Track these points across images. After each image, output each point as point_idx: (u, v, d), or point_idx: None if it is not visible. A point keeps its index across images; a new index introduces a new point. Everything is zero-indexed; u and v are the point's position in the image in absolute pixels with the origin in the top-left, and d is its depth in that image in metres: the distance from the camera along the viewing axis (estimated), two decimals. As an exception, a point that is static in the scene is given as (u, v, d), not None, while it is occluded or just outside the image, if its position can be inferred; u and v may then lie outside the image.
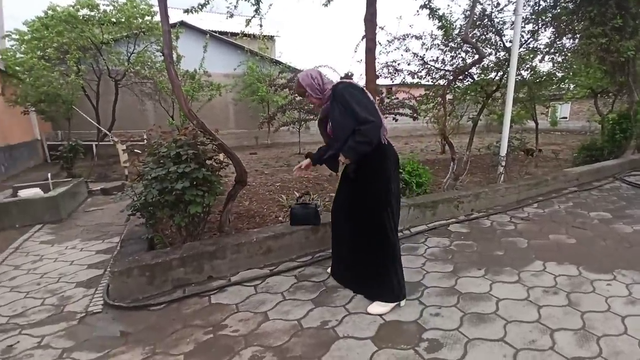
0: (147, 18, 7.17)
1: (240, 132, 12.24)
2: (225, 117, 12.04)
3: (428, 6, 4.43)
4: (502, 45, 5.16)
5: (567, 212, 3.59)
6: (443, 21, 4.48)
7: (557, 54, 5.25)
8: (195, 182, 2.12)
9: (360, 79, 6.51)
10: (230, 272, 2.20)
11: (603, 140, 6.30)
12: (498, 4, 5.09)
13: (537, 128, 8.03)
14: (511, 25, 5.09)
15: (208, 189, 2.23)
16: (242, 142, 12.01)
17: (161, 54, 6.65)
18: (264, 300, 1.94)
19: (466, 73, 5.07)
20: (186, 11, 3.68)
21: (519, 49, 4.41)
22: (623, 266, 2.26)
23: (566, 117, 16.65)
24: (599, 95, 8.15)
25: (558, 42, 4.90)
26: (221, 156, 2.48)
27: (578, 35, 5.14)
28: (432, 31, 5.15)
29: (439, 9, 4.36)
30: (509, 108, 4.29)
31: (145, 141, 7.09)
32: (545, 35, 5.34)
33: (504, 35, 5.29)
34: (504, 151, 4.33)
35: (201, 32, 10.48)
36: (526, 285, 2.06)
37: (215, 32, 11.50)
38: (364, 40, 3.60)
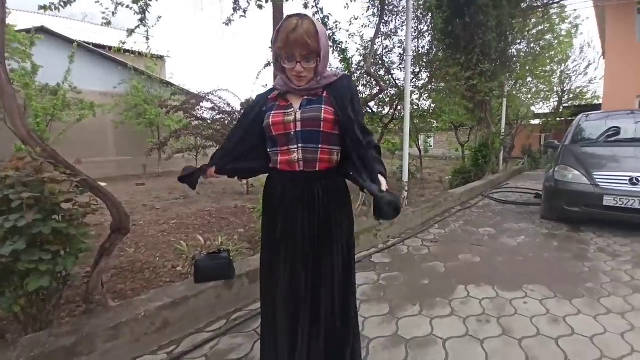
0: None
1: (124, 159, 10.31)
2: (102, 142, 9.99)
3: (332, 39, 4.56)
4: (393, 82, 5.73)
5: (462, 230, 3.96)
6: (345, 54, 4.68)
7: (433, 93, 6.14)
8: (38, 241, 1.39)
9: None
10: (102, 370, 1.47)
11: (469, 165, 7.58)
12: (387, 46, 5.69)
13: (421, 155, 9.21)
14: (399, 64, 5.74)
15: (63, 248, 1.50)
16: (126, 171, 10.11)
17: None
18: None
19: (367, 105, 5.39)
20: (43, 7, 2.74)
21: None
22: (527, 281, 2.47)
23: (431, 146, 20.10)
24: (458, 128, 10.03)
25: (433, 83, 5.71)
26: (86, 197, 1.75)
27: (445, 77, 6.16)
28: (330, 65, 5.38)
29: (341, 42, 4.53)
30: (406, 137, 4.65)
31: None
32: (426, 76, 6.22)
33: (393, 73, 5.92)
34: (406, 177, 4.64)
35: (69, 41, 8.62)
36: (460, 316, 2.00)
37: (89, 44, 9.68)
38: (272, 65, 3.37)
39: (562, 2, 8.90)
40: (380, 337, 1.78)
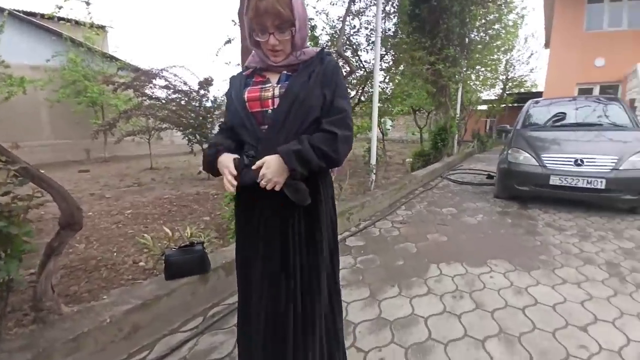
0: None
1: (62, 143, 9.14)
2: (35, 123, 8.73)
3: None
4: (360, 64, 5.67)
5: (427, 210, 4.13)
6: (314, 32, 4.49)
7: (399, 76, 6.21)
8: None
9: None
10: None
11: (429, 148, 7.91)
12: (354, 26, 5.58)
13: (384, 138, 9.40)
14: (366, 46, 5.68)
15: (4, 250, 1.26)
16: (64, 156, 9.01)
17: None
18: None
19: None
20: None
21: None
22: (490, 256, 2.64)
23: (389, 129, 20.69)
24: (416, 112, 10.37)
25: (401, 66, 5.76)
26: (26, 188, 1.48)
27: (411, 60, 6.25)
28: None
29: (310, 19, 4.33)
30: (375, 121, 4.67)
31: None
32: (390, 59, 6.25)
33: (360, 55, 5.86)
34: (374, 160, 4.68)
35: (-1, 10, 7.24)
36: (436, 294, 2.07)
37: (18, 11, 8.24)
38: (240, 40, 3.12)
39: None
40: (365, 320, 1.79)
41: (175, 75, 5.95)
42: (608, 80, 9.88)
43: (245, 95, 1.03)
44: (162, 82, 5.85)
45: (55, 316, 1.44)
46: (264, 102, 1.01)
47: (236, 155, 1.02)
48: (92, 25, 7.98)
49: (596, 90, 10.20)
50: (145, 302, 1.53)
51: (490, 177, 6.35)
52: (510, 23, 12.32)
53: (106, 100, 8.60)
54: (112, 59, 9.07)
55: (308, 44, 1.13)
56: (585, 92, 10.27)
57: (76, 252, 2.47)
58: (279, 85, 1.02)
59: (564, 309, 1.87)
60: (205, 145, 6.28)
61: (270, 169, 0.93)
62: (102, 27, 9.75)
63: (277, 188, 0.95)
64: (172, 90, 5.90)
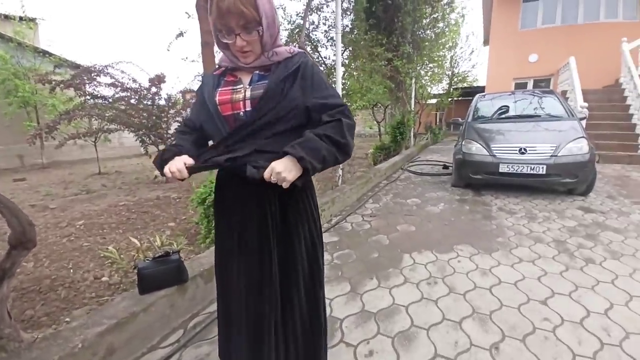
0: None
1: (-11, 149, 8.05)
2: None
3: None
4: (321, 60, 5.70)
5: (394, 202, 4.30)
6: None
7: (359, 72, 6.34)
8: None
9: (194, 82, 5.59)
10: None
11: (388, 141, 8.21)
12: (313, 21, 5.57)
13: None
14: (325, 42, 5.71)
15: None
16: (-7, 164, 7.95)
17: None
18: None
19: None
20: None
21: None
22: (455, 242, 2.83)
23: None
24: (374, 107, 10.70)
25: (363, 62, 5.89)
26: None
27: (369, 57, 6.41)
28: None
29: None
30: (338, 116, 4.73)
31: None
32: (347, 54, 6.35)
33: (320, 51, 5.88)
34: (340, 155, 4.75)
35: None
36: (413, 282, 2.18)
37: None
38: (200, 34, 2.97)
39: (456, -7, 9.99)
40: (350, 315, 1.83)
41: (122, 71, 5.50)
42: (541, 74, 11.00)
43: (217, 98, 0.99)
44: (108, 80, 5.38)
45: (16, 344, 1.28)
46: (235, 104, 0.98)
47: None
48: (22, 18, 7.02)
49: (530, 84, 11.30)
50: (120, 321, 1.41)
51: (445, 167, 6.77)
52: (453, 22, 13.18)
53: (41, 101, 7.69)
54: (45, 54, 8.10)
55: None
56: (521, 86, 11.35)
57: (25, 272, 2.20)
58: (251, 87, 0.99)
59: (524, 285, 2.07)
60: (162, 147, 5.92)
61: (277, 170, 0.87)
62: (33, 20, 8.63)
63: (286, 186, 0.89)
64: (119, 88, 5.45)
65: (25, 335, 1.44)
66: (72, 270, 2.28)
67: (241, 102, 0.97)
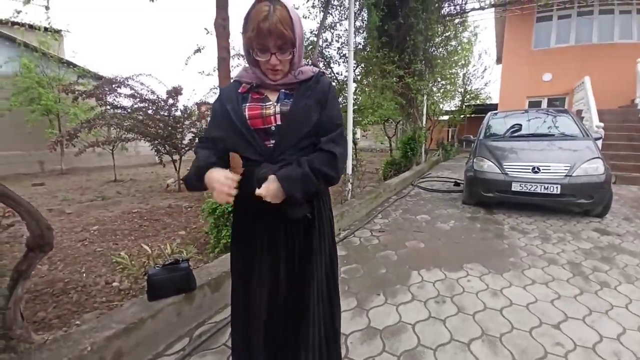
0: None
1: (12, 154, 8.34)
2: (-17, 133, 7.95)
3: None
4: (333, 76, 5.81)
5: (403, 218, 4.27)
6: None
7: (371, 88, 6.43)
8: None
9: (209, 95, 5.76)
10: None
11: (399, 157, 8.20)
12: (326, 39, 5.72)
13: (356, 148, 9.61)
14: (337, 59, 5.83)
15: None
16: (15, 168, 8.23)
17: None
18: None
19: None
20: None
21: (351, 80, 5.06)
22: (465, 260, 2.78)
23: (359, 138, 21.21)
24: (385, 122, 10.76)
25: (372, 79, 5.98)
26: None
27: (381, 73, 6.50)
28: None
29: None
30: (349, 131, 4.78)
31: None
32: (359, 71, 6.46)
33: (332, 67, 6.00)
34: (350, 170, 4.77)
35: None
36: (420, 300, 2.14)
37: None
38: (217, 50, 3.08)
39: (469, 12, 10.12)
40: (356, 331, 1.80)
41: (141, 83, 5.72)
42: (555, 93, 10.91)
43: (247, 113, 1.03)
44: (128, 91, 5.60)
45: (27, 345, 1.32)
46: (267, 119, 1.03)
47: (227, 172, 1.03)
48: (47, 29, 7.45)
49: (544, 103, 11.20)
50: (128, 326, 1.44)
51: (457, 184, 6.70)
52: (465, 40, 13.30)
53: (63, 109, 8.03)
54: (69, 64, 8.51)
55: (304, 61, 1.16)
56: (535, 104, 11.25)
57: (39, 275, 2.27)
58: (279, 104, 1.05)
59: (536, 308, 2.01)
60: (176, 157, 6.07)
61: (270, 193, 0.96)
62: (59, 32, 9.13)
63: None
64: (138, 99, 5.65)
65: (36, 336, 1.48)
66: (84, 275, 2.33)
67: (272, 117, 1.03)
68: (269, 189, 0.96)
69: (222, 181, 0.98)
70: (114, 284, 2.18)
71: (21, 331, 1.42)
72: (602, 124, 6.98)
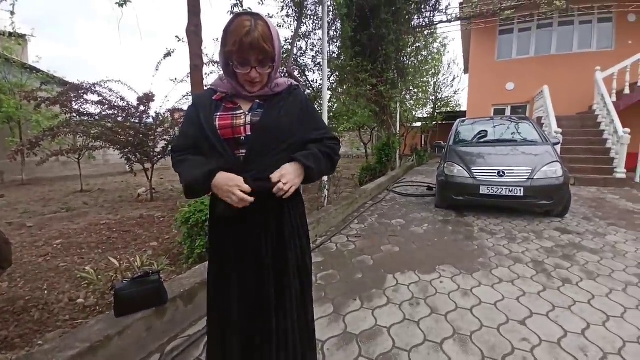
0: None
1: (-34, 165, 7.76)
2: None
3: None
4: (308, 84, 5.87)
5: (379, 223, 4.35)
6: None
7: (345, 95, 6.55)
8: None
9: (182, 102, 5.64)
10: None
11: (374, 162, 8.37)
12: (301, 47, 5.79)
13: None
14: (312, 67, 5.91)
15: None
16: (-34, 180, 7.65)
17: None
18: None
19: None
20: None
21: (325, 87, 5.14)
22: (438, 262, 2.88)
23: (335, 144, 21.41)
24: (361, 129, 11.00)
25: (346, 87, 6.10)
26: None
27: (355, 82, 6.65)
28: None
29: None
30: (325, 138, 4.84)
31: None
32: (334, 79, 6.57)
33: (307, 75, 6.07)
34: (326, 176, 4.81)
35: None
36: (395, 303, 2.19)
37: None
38: (189, 57, 3.05)
39: (437, 25, 10.59)
40: (332, 337, 1.82)
41: (110, 90, 5.52)
42: (518, 101, 11.57)
43: (217, 123, 1.04)
44: (95, 98, 5.38)
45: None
46: (236, 129, 1.04)
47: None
48: (11, 34, 7.02)
49: (508, 111, 11.85)
50: (94, 345, 1.37)
51: (429, 188, 6.91)
52: (435, 50, 13.88)
53: (25, 117, 7.57)
54: (32, 70, 8.06)
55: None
56: (500, 112, 11.89)
57: (-3, 293, 2.11)
58: (251, 114, 1.06)
59: (504, 305, 2.11)
60: (148, 165, 5.85)
61: (289, 173, 1.03)
62: (23, 36, 8.61)
63: (292, 190, 1.03)
64: (107, 106, 5.44)
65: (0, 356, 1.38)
66: (46, 292, 2.20)
67: (242, 128, 1.04)
68: (287, 170, 1.02)
69: (230, 185, 1.00)
70: (79, 300, 2.07)
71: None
72: (560, 130, 7.47)
